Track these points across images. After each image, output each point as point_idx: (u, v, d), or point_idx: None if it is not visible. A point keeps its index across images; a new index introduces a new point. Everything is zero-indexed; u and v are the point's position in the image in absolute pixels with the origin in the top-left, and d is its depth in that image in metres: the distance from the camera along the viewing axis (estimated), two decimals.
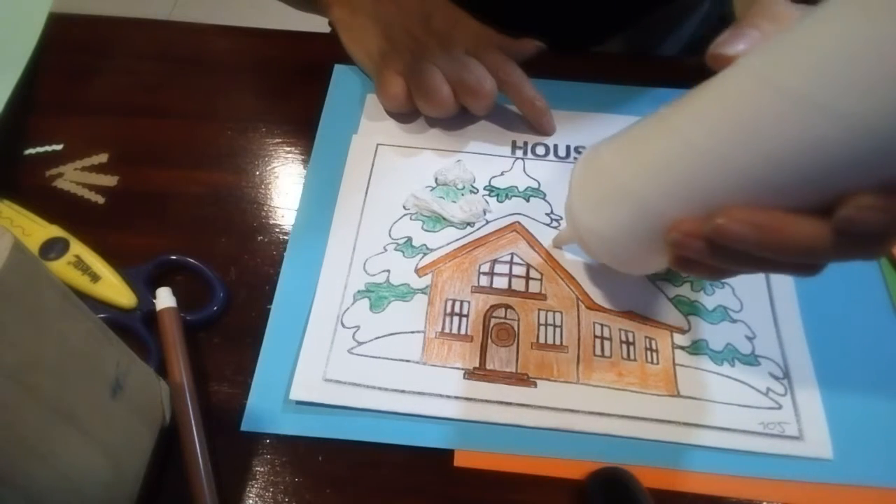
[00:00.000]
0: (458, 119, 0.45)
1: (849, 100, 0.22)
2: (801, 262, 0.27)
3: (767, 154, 0.25)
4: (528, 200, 0.43)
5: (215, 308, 0.37)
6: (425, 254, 0.40)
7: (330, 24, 0.52)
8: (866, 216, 0.23)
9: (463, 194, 0.43)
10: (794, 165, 0.24)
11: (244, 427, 0.34)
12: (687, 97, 0.29)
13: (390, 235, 0.41)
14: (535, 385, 0.35)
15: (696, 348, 0.37)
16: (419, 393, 0.35)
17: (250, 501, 0.32)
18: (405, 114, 0.46)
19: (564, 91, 0.47)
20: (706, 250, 0.27)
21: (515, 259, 0.40)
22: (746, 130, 0.25)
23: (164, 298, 0.36)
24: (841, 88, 0.23)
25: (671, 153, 0.28)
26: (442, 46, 0.44)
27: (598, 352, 0.36)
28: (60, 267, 0.38)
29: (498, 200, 0.43)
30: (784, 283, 0.39)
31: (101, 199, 0.43)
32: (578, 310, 0.38)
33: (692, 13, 0.62)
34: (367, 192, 0.43)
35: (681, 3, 0.60)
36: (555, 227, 0.41)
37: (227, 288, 0.38)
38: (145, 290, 0.37)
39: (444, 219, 0.41)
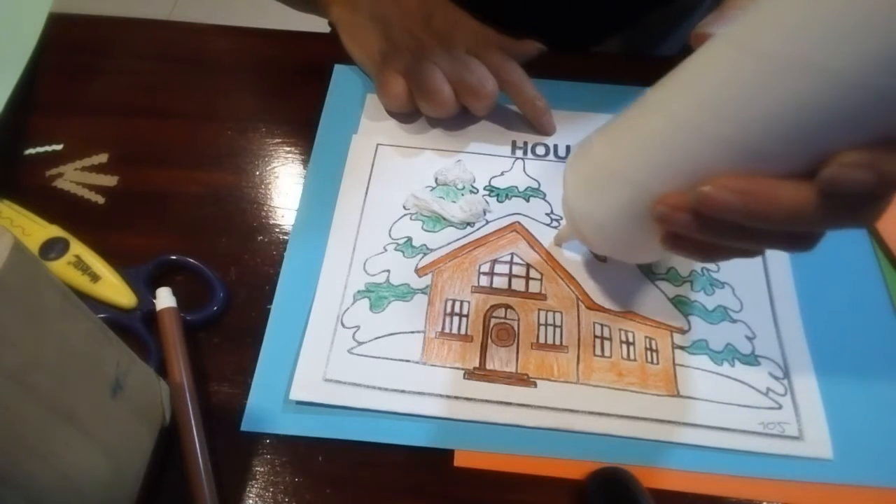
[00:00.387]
0: (458, 119, 0.45)
1: (826, 52, 0.22)
2: (790, 229, 0.26)
3: (749, 119, 0.25)
4: (528, 200, 0.43)
5: (215, 308, 0.37)
6: (425, 254, 0.40)
7: (330, 23, 0.52)
8: (850, 174, 0.23)
9: (463, 194, 0.43)
10: (777, 128, 0.24)
11: (244, 427, 0.34)
12: (669, 75, 0.29)
13: (390, 235, 0.41)
14: (535, 385, 0.35)
15: (696, 348, 0.37)
16: (419, 393, 0.35)
17: (250, 501, 0.32)
18: (406, 114, 0.46)
19: (564, 91, 0.47)
20: (693, 223, 0.27)
21: (515, 259, 0.40)
22: (727, 97, 0.25)
23: (164, 298, 0.36)
24: (818, 42, 0.22)
25: (654, 130, 0.28)
26: (443, 46, 0.44)
27: (598, 352, 0.36)
28: (60, 267, 0.38)
29: (498, 200, 0.43)
30: (784, 283, 0.39)
31: (101, 199, 0.43)
32: (578, 310, 0.38)
33: (692, 13, 0.62)
34: (367, 192, 0.43)
35: (680, 4, 0.60)
36: (555, 227, 0.41)
37: (227, 288, 0.38)
38: (145, 290, 0.37)
39: (444, 219, 0.41)
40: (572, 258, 0.40)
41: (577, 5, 0.54)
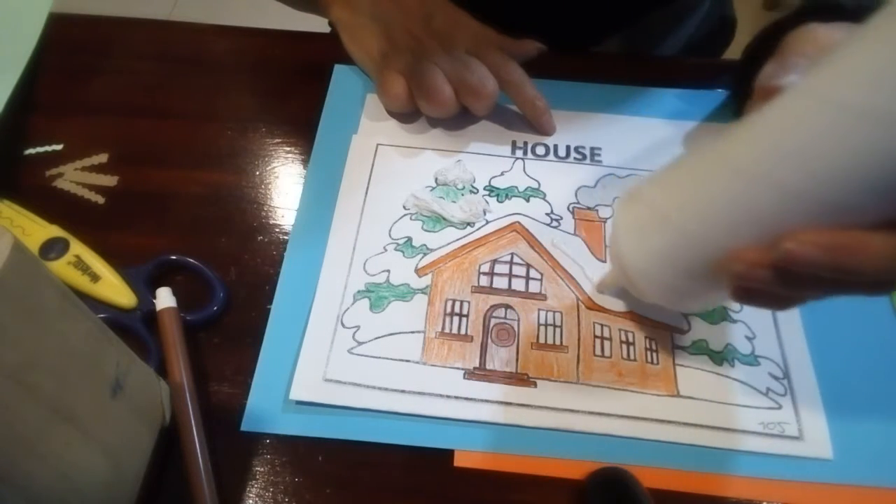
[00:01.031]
0: (458, 119, 0.45)
1: None
2: (877, 280, 0.26)
3: (833, 172, 0.24)
4: (528, 200, 0.43)
5: (215, 308, 0.37)
6: (425, 254, 0.40)
7: (330, 24, 0.52)
8: None
9: (463, 194, 0.43)
10: (862, 181, 0.23)
11: (244, 427, 0.34)
12: (734, 128, 0.28)
13: (390, 235, 0.41)
14: (535, 385, 0.35)
15: (696, 348, 0.37)
16: (419, 393, 0.35)
17: (250, 501, 0.32)
18: (406, 114, 0.46)
19: (564, 91, 0.47)
20: (773, 279, 0.26)
21: (515, 259, 0.40)
22: (809, 151, 0.24)
23: (164, 298, 0.36)
24: None
25: (726, 185, 0.27)
26: (443, 46, 0.44)
27: (598, 352, 0.36)
28: (60, 267, 0.38)
29: (498, 200, 0.43)
30: None
31: (101, 199, 0.43)
32: (578, 310, 0.38)
33: (692, 13, 0.62)
34: (367, 192, 0.43)
35: (681, 4, 0.60)
36: (554, 227, 0.41)
37: (227, 288, 0.38)
38: (145, 290, 0.37)
39: (444, 219, 0.41)
40: (572, 257, 0.40)
41: (577, 5, 0.54)
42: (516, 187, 0.43)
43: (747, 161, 0.27)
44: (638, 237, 0.32)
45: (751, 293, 0.29)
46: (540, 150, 0.45)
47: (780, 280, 0.26)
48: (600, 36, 0.59)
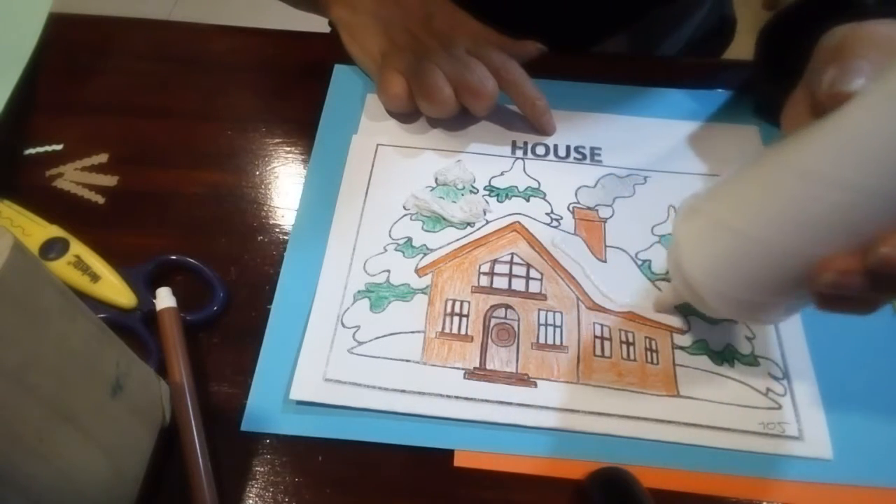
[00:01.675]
0: (458, 119, 0.45)
1: None
2: None
3: None
4: (528, 200, 0.43)
5: (215, 308, 0.37)
6: (425, 254, 0.40)
7: (330, 23, 0.52)
8: None
9: (463, 194, 0.43)
10: None
11: (244, 427, 0.34)
12: (808, 134, 0.28)
13: (390, 235, 0.41)
14: (535, 385, 0.35)
15: (696, 348, 0.37)
16: (419, 393, 0.35)
17: (250, 501, 0.32)
18: (406, 114, 0.46)
19: (564, 91, 0.47)
20: (867, 285, 0.26)
21: (515, 259, 0.40)
22: (893, 150, 0.24)
23: (164, 298, 0.36)
24: None
25: (804, 191, 0.27)
26: (443, 46, 0.44)
27: (598, 352, 0.36)
28: (60, 267, 0.38)
29: (498, 200, 0.43)
30: None
31: (101, 199, 0.43)
32: (578, 310, 0.38)
33: (692, 13, 0.62)
34: (367, 193, 0.43)
35: (681, 3, 0.60)
36: (555, 227, 0.41)
37: (227, 288, 0.38)
38: (145, 290, 0.37)
39: (444, 219, 0.41)
40: (572, 257, 0.40)
41: (577, 5, 0.54)
42: (516, 187, 0.43)
43: (831, 169, 0.26)
44: (704, 253, 0.31)
45: (839, 301, 0.28)
46: (540, 150, 0.45)
47: (873, 285, 0.26)
48: (600, 36, 0.59)
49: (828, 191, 0.26)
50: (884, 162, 0.25)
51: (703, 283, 0.31)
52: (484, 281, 0.39)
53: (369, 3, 0.47)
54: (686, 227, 0.32)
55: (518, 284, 0.39)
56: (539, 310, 0.38)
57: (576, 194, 0.43)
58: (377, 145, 0.45)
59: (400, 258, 0.40)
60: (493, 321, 0.37)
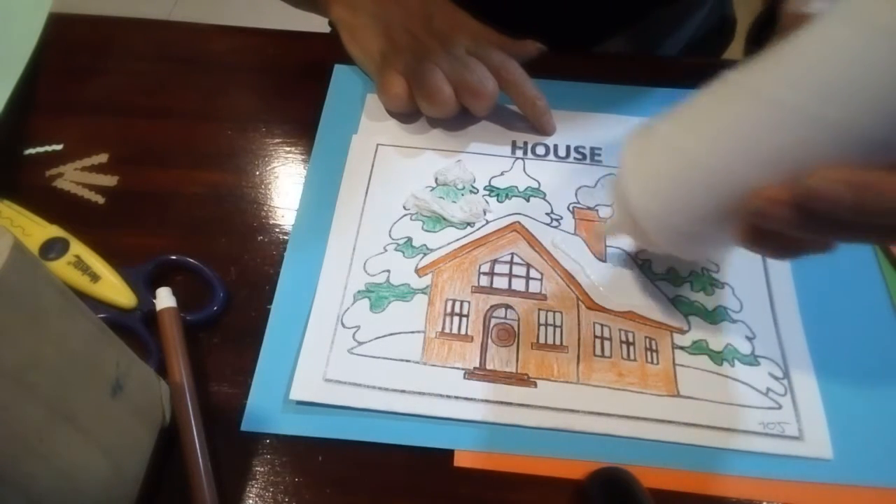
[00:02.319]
0: (458, 119, 0.45)
1: None
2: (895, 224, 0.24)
3: (870, 103, 0.23)
4: (528, 200, 0.43)
5: (215, 308, 0.37)
6: (425, 254, 0.40)
7: (330, 23, 0.52)
8: None
9: (463, 194, 0.43)
10: None
11: (244, 427, 0.34)
12: (763, 59, 0.27)
13: (390, 235, 0.41)
14: (535, 385, 0.35)
15: (696, 348, 0.37)
16: (419, 393, 0.35)
17: (250, 501, 0.32)
18: (406, 114, 0.46)
19: (564, 91, 0.47)
20: (792, 219, 0.25)
21: (515, 259, 0.40)
22: (846, 78, 0.23)
23: (164, 298, 0.36)
24: None
25: (753, 114, 0.26)
26: (443, 46, 0.44)
27: (598, 352, 0.36)
28: (60, 267, 0.38)
29: (498, 200, 0.43)
30: (784, 283, 0.39)
31: (101, 199, 0.43)
32: (578, 310, 0.38)
33: (692, 14, 0.62)
34: (367, 193, 0.43)
35: (682, 4, 0.60)
36: (555, 227, 0.41)
37: (227, 288, 0.38)
38: (145, 290, 0.37)
39: (444, 219, 0.41)
40: (572, 257, 0.40)
41: (577, 5, 0.54)
42: (516, 187, 0.43)
43: (780, 90, 0.25)
44: (647, 175, 0.30)
45: (763, 235, 0.27)
46: (540, 150, 0.45)
47: (798, 220, 0.25)
48: (601, 36, 0.59)
49: (771, 113, 0.25)
50: (830, 89, 0.24)
51: (641, 207, 0.30)
52: (484, 281, 0.39)
53: (369, 3, 0.47)
54: (632, 148, 0.31)
55: (518, 284, 0.39)
56: (539, 310, 0.38)
57: (576, 194, 0.43)
58: (377, 145, 0.45)
59: (400, 258, 0.40)
60: (493, 321, 0.37)
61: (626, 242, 0.40)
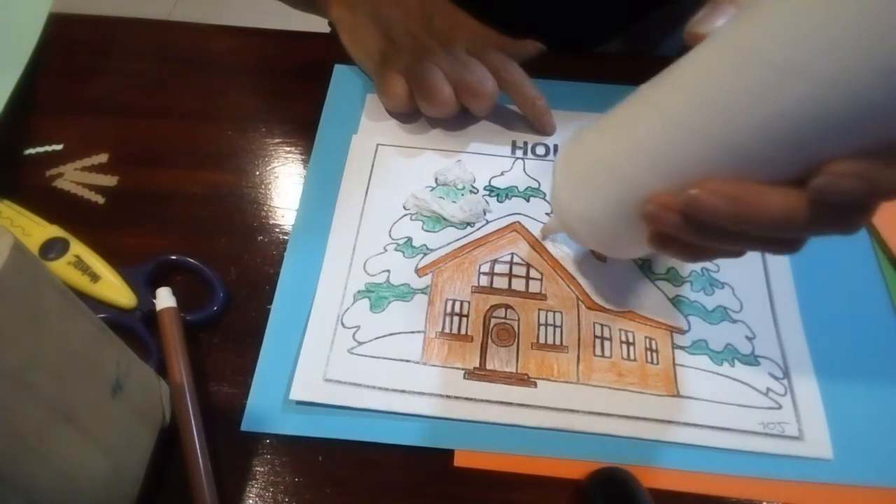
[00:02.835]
0: (458, 119, 0.45)
1: (823, 61, 0.22)
2: (778, 235, 0.26)
3: (743, 123, 0.24)
4: (528, 200, 0.43)
5: (215, 308, 0.37)
6: (425, 254, 0.40)
7: (330, 23, 0.52)
8: (842, 184, 0.23)
9: (463, 194, 0.43)
10: (770, 133, 0.24)
11: (244, 427, 0.34)
12: (665, 72, 0.29)
13: (390, 235, 0.41)
14: (535, 385, 0.35)
15: (696, 348, 0.37)
16: (419, 393, 0.35)
17: (250, 501, 0.32)
18: (406, 114, 0.46)
19: (564, 91, 0.47)
20: (681, 224, 0.27)
21: (515, 259, 0.40)
22: (721, 100, 0.25)
23: (164, 298, 0.36)
24: (815, 49, 0.22)
25: (650, 127, 0.28)
26: (443, 46, 0.44)
27: (598, 352, 0.36)
28: (60, 267, 0.38)
29: (498, 200, 0.43)
30: (784, 283, 0.39)
31: (101, 199, 0.43)
32: (578, 310, 0.38)
33: (692, 14, 0.62)
34: (367, 192, 0.43)
35: (680, 4, 0.60)
36: None
37: (227, 288, 0.38)
38: (145, 290, 0.37)
39: (444, 219, 0.41)
40: (567, 255, 0.40)
41: (577, 6, 0.54)
42: (516, 187, 0.43)
43: (669, 105, 0.27)
44: (575, 181, 0.32)
45: (665, 240, 0.29)
46: (540, 150, 0.45)
47: (687, 227, 0.27)
48: (601, 36, 0.59)
49: (666, 127, 0.27)
50: (712, 108, 0.25)
51: (569, 208, 0.33)
52: (484, 281, 0.39)
53: (369, 3, 0.47)
54: (564, 155, 0.33)
55: (518, 284, 0.39)
56: (539, 310, 0.38)
57: None
58: (377, 145, 0.45)
59: (400, 258, 0.40)
60: (493, 321, 0.37)
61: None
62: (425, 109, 0.44)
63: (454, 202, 0.42)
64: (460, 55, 0.43)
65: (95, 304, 0.37)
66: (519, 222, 0.41)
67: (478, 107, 0.43)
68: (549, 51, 0.48)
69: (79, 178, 0.44)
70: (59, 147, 0.45)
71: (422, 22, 0.46)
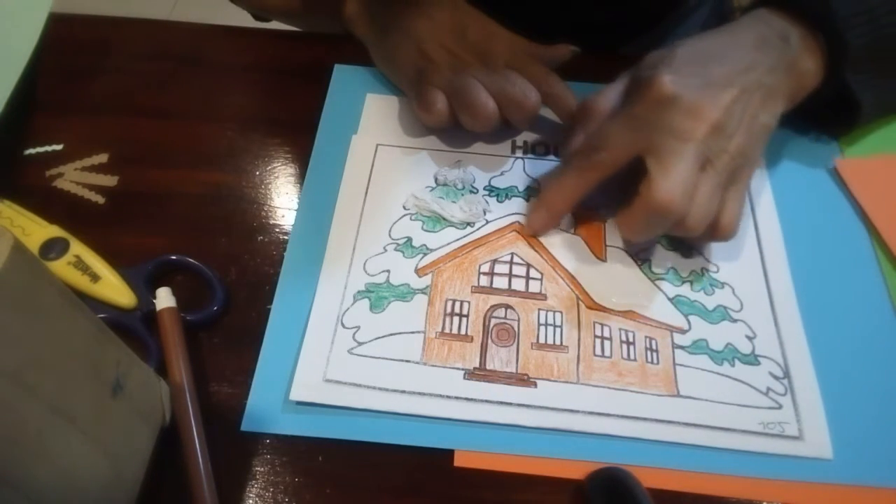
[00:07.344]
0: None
1: None
2: None
3: None
4: (528, 200, 0.43)
5: (215, 308, 0.37)
6: (425, 254, 0.40)
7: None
8: None
9: (463, 194, 0.43)
10: None
11: (244, 427, 0.34)
12: None
13: (390, 236, 0.41)
14: (535, 385, 0.35)
15: (696, 348, 0.37)
16: (419, 393, 0.35)
17: (250, 501, 0.32)
18: (443, 129, 0.44)
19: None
20: None
21: (515, 259, 0.40)
22: None
23: (164, 298, 0.36)
24: None
25: None
26: (481, 60, 0.44)
27: (598, 352, 0.36)
28: (60, 267, 0.38)
29: (498, 200, 0.43)
30: (784, 283, 0.39)
31: (101, 199, 0.43)
32: (578, 310, 0.38)
33: (693, 14, 0.62)
34: (366, 193, 0.43)
35: (683, 4, 0.60)
36: (555, 227, 0.41)
37: (227, 288, 0.38)
38: (145, 290, 0.37)
39: (444, 219, 0.41)
40: (571, 257, 0.40)
41: (602, 10, 0.54)
42: (516, 187, 0.43)
43: None
44: None
45: None
46: (540, 150, 0.45)
47: None
48: (628, 38, 0.59)
49: None
50: None
51: None
52: (484, 281, 0.39)
53: (398, 19, 0.46)
54: None
55: (518, 284, 0.39)
56: (539, 310, 0.38)
57: None
58: (377, 145, 0.45)
59: (400, 258, 0.40)
60: (493, 321, 0.37)
61: (625, 242, 0.40)
62: (468, 124, 0.42)
63: (454, 202, 0.42)
64: (499, 68, 0.43)
65: (95, 304, 0.37)
66: (519, 222, 0.41)
67: (522, 119, 0.42)
68: (582, 54, 0.46)
69: (79, 178, 0.44)
70: (59, 147, 0.45)
71: (455, 35, 0.45)
